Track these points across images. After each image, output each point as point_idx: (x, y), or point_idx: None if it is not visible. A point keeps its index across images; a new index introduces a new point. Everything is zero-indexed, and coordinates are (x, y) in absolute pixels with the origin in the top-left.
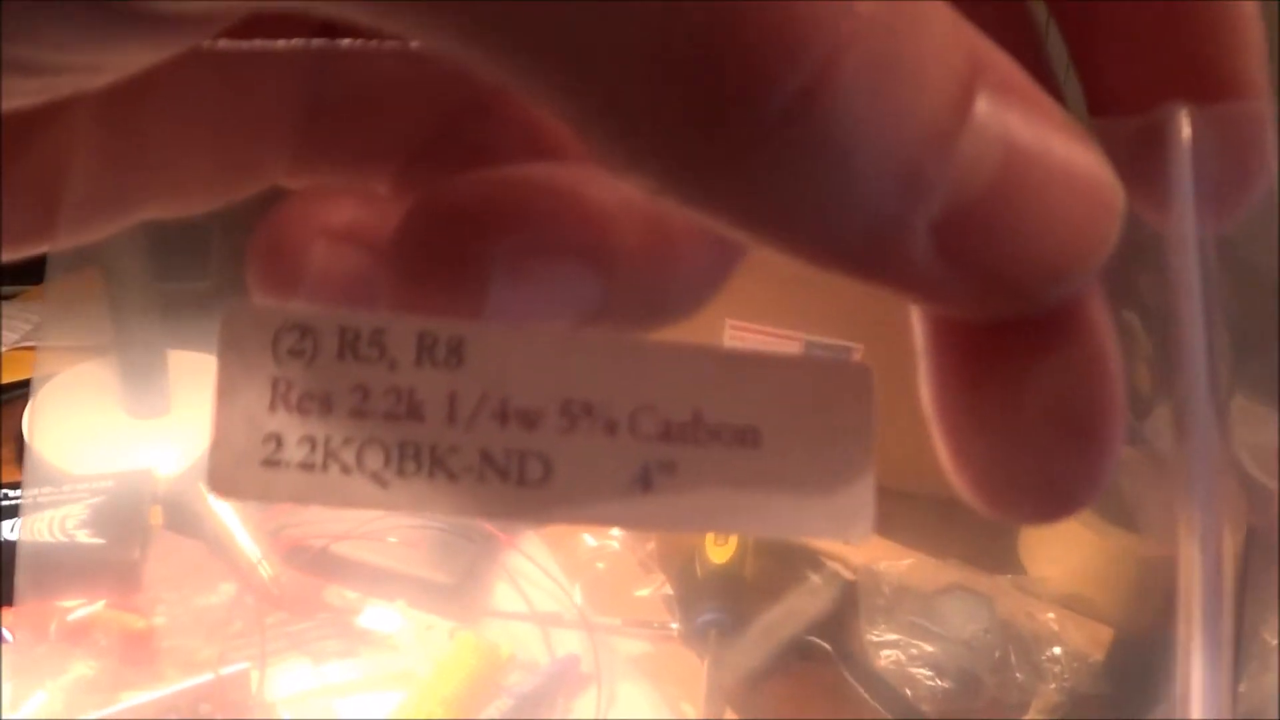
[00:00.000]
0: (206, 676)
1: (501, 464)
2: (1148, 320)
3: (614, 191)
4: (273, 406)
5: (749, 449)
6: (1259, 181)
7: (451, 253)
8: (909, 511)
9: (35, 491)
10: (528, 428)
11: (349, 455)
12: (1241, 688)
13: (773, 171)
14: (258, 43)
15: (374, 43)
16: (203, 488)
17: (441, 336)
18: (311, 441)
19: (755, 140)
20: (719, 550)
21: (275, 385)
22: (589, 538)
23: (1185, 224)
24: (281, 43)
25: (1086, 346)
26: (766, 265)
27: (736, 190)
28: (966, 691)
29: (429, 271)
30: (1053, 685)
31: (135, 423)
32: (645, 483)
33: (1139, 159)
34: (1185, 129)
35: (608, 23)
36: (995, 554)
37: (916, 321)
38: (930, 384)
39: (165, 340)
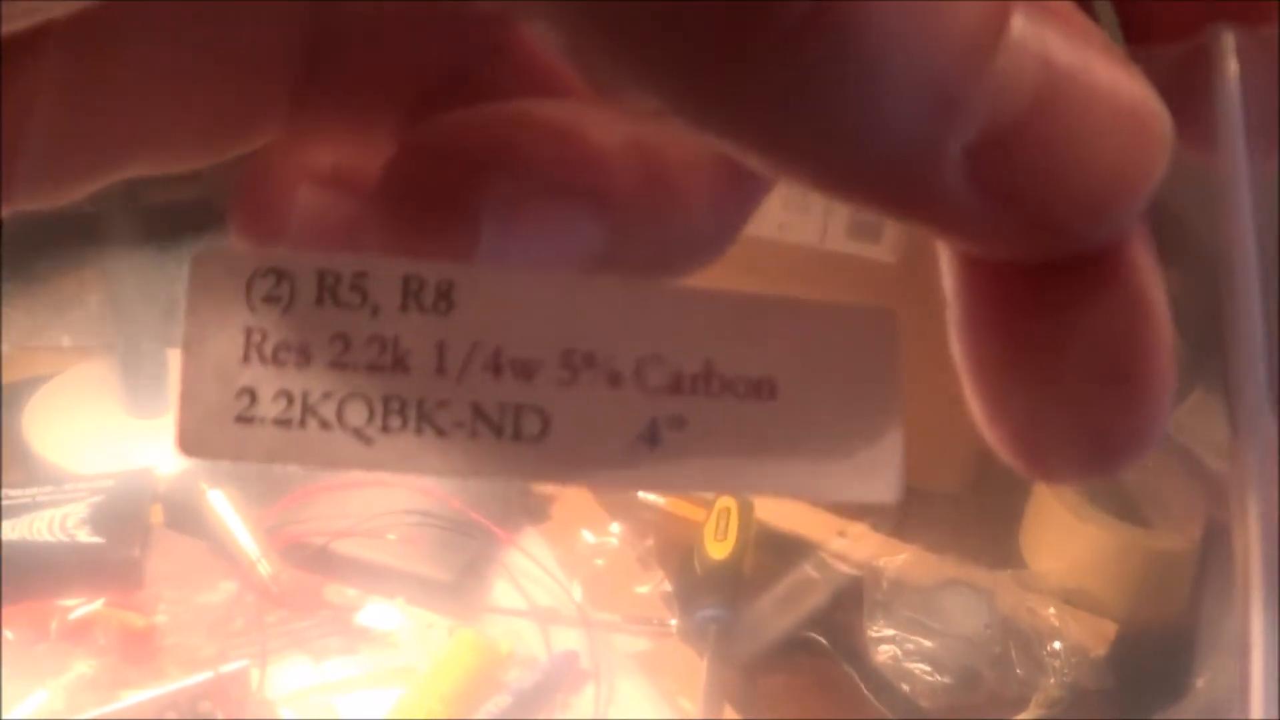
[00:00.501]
0: (206, 674)
1: (495, 419)
2: (1173, 307)
3: (617, 132)
4: (246, 358)
5: (765, 402)
6: None
7: (441, 193)
8: (908, 506)
9: (35, 490)
10: (524, 379)
11: (329, 410)
12: (1201, 683)
13: (792, 85)
14: None
15: None
16: (203, 486)
17: (429, 280)
18: (288, 396)
19: (774, 49)
20: (718, 546)
21: (249, 335)
22: (588, 534)
23: (1237, 159)
24: None
25: (1131, 290)
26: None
27: (753, 108)
28: (966, 687)
29: (416, 213)
30: (1053, 680)
31: (135, 422)
32: (652, 439)
33: (1182, 89)
34: (1232, 54)
35: None
36: (996, 548)
37: (945, 266)
38: (962, 333)
39: (165, 339)
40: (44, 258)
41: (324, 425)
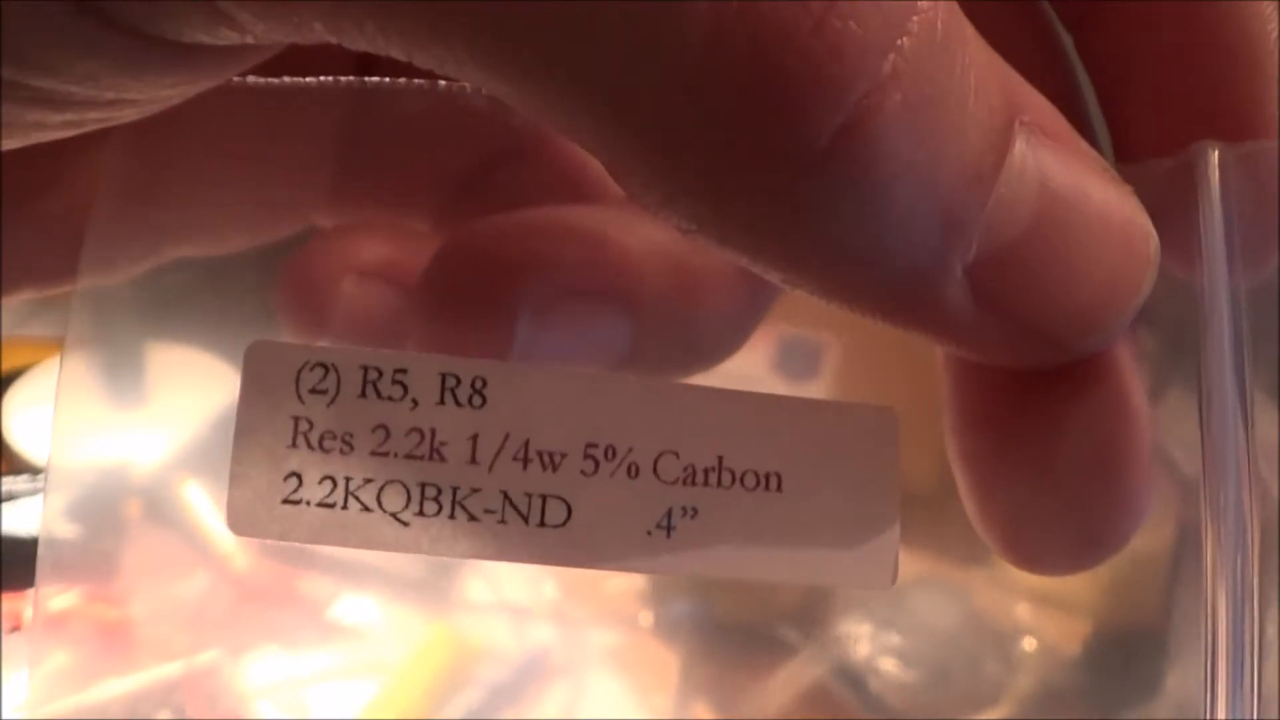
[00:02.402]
0: (180, 666)
1: (523, 506)
2: (1146, 317)
3: (644, 236)
4: (294, 444)
5: (772, 494)
6: None
7: (479, 293)
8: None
9: (11, 481)
10: (550, 470)
11: (369, 495)
12: (1171, 682)
13: (810, 210)
14: (292, 80)
15: (409, 81)
16: (180, 480)
17: (464, 376)
18: (332, 480)
19: (794, 178)
20: None
21: (296, 423)
22: None
23: (1217, 269)
24: (316, 80)
25: (1116, 396)
26: None
27: (773, 229)
28: (938, 684)
29: (456, 311)
30: (1026, 678)
31: (113, 414)
32: (667, 527)
33: (1168, 205)
34: (1216, 169)
35: (646, 58)
36: (968, 546)
37: (942, 370)
38: (957, 433)
39: (144, 332)
40: None
41: (364, 509)
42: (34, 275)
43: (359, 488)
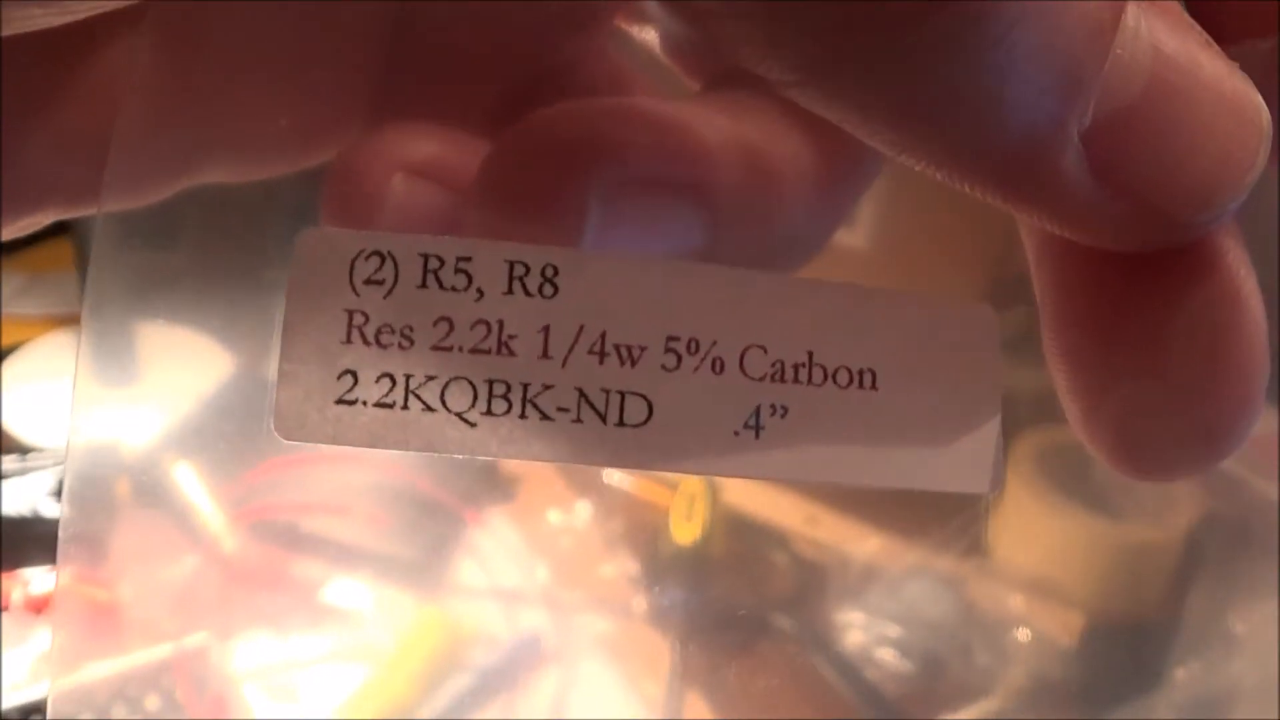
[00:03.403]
0: (169, 648)
1: (599, 404)
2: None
3: (722, 127)
4: (348, 339)
5: (866, 392)
6: None
7: (545, 184)
8: (876, 492)
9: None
10: (628, 365)
11: (431, 394)
12: (1182, 674)
13: (925, 58)
14: None
15: None
16: (170, 460)
17: (534, 264)
18: (390, 378)
19: (911, 18)
20: (685, 529)
21: (350, 317)
22: (554, 515)
23: None
24: None
25: (1226, 281)
26: None
27: (886, 80)
28: (931, 674)
29: (520, 203)
30: (1019, 670)
31: (103, 393)
32: (756, 426)
33: (1265, 89)
34: None
35: None
36: (963, 537)
37: (1036, 265)
38: (1057, 330)
39: (135, 311)
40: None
41: (426, 408)
42: (57, 193)
43: (420, 386)
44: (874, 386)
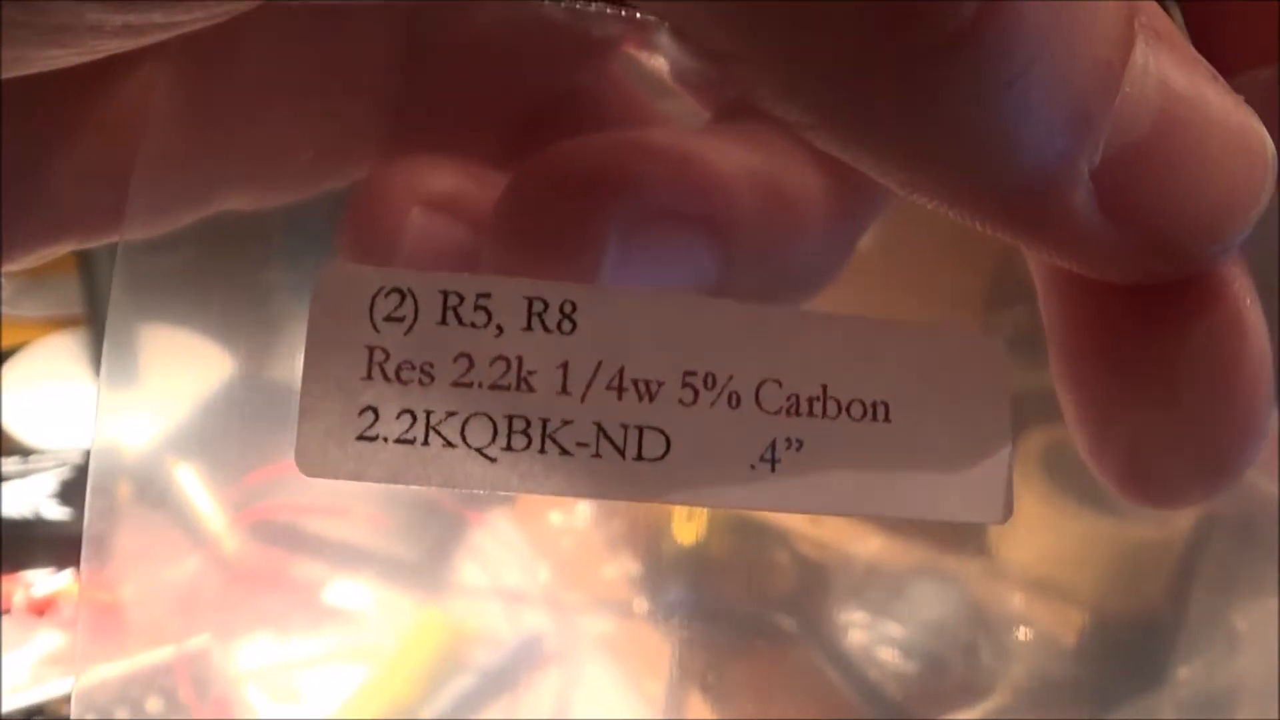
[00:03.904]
0: (170, 650)
1: (618, 439)
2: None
3: (736, 159)
4: (368, 376)
5: (879, 424)
6: None
7: (563, 220)
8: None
9: (1, 462)
10: (646, 399)
11: (452, 430)
12: (1185, 673)
13: (941, 98)
14: None
15: None
16: (171, 461)
17: (552, 301)
18: (411, 415)
19: (927, 62)
20: (687, 529)
21: (371, 353)
22: (556, 515)
23: None
24: None
25: (1233, 313)
26: None
27: (900, 120)
28: (934, 673)
29: (538, 239)
30: (1022, 668)
31: (104, 395)
32: (772, 460)
33: (1266, 118)
34: None
35: None
36: (965, 535)
37: (1044, 296)
38: (1066, 361)
39: (136, 312)
40: None
41: (447, 444)
42: (78, 224)
43: (440, 422)
44: (887, 419)
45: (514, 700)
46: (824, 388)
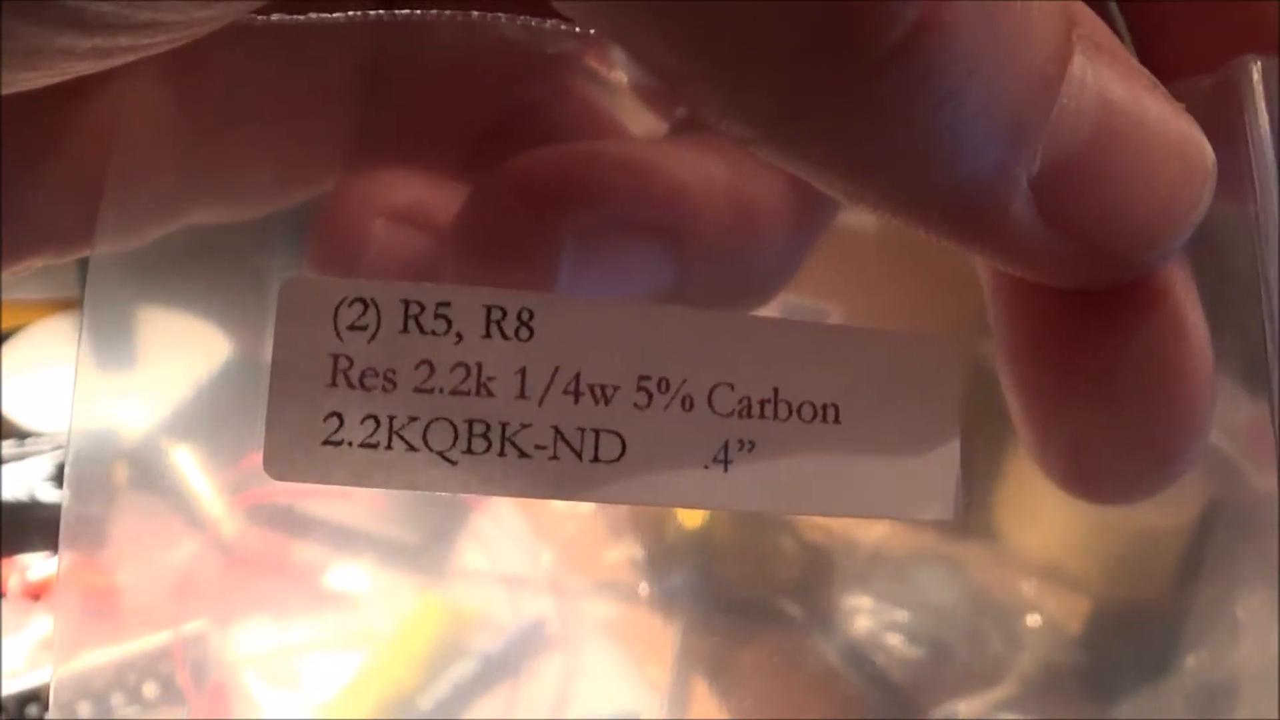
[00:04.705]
0: (167, 635)
1: (575, 442)
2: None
3: (694, 168)
4: (333, 383)
5: (829, 426)
6: None
7: (520, 227)
8: None
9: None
10: (602, 403)
11: (414, 434)
12: (1192, 662)
13: (879, 113)
14: (316, 16)
15: (439, 12)
16: (168, 444)
17: (510, 308)
18: (375, 420)
19: (864, 78)
20: (691, 514)
21: (336, 361)
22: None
23: (1270, 187)
24: (341, 15)
25: (1173, 313)
26: None
27: (840, 134)
28: (939, 660)
29: (497, 248)
30: (1028, 655)
31: (102, 379)
32: (724, 460)
33: (1210, 125)
34: (1259, 83)
35: None
36: (971, 522)
37: (991, 298)
38: (1011, 362)
39: (133, 295)
40: None
41: (410, 448)
42: (47, 240)
43: (403, 426)
44: (837, 420)
45: (515, 686)
46: (775, 390)
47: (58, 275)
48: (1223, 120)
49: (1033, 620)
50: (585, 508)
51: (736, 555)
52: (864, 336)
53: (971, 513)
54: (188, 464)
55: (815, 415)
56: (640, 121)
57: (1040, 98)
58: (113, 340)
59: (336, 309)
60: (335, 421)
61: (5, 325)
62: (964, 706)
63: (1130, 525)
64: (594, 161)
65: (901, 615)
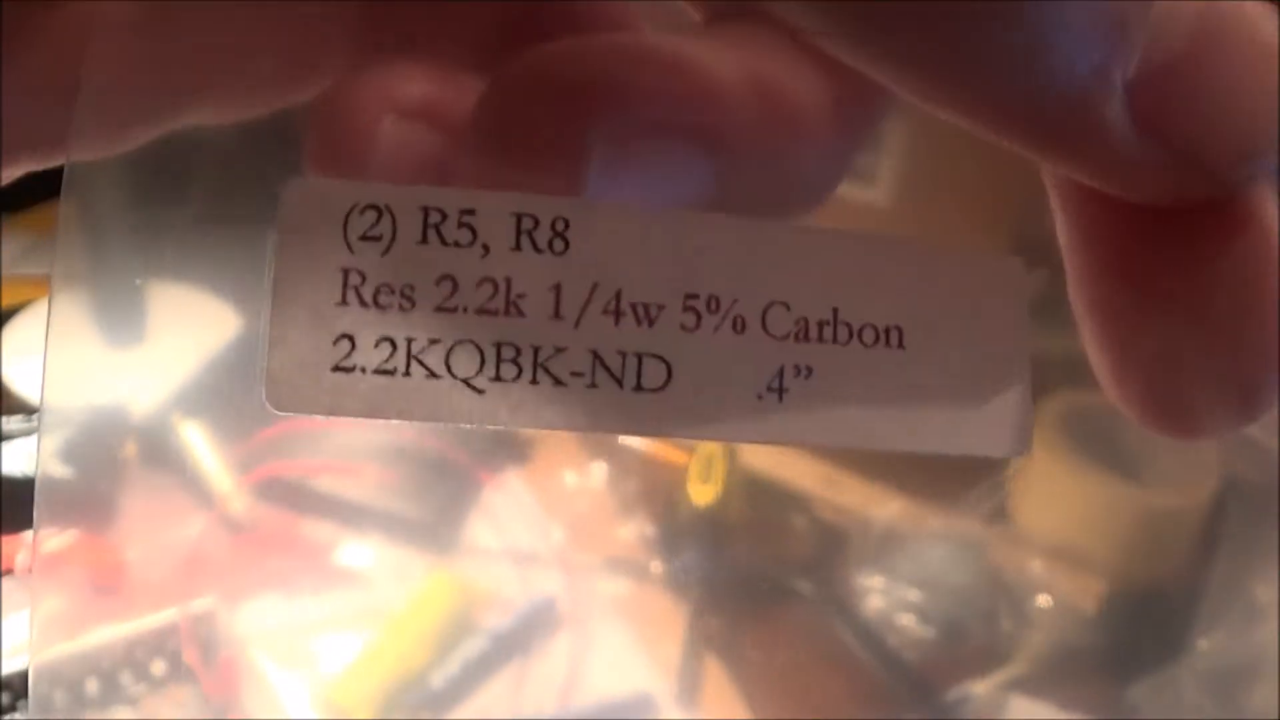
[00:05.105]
0: (176, 611)
1: (615, 367)
2: None
3: (732, 63)
4: (343, 301)
5: (893, 351)
6: None
7: (544, 129)
8: (897, 456)
9: (5, 420)
10: (645, 325)
11: (436, 358)
12: (1205, 644)
13: (966, 7)
14: None
15: None
16: (175, 420)
17: (543, 217)
18: (391, 343)
19: None
20: (703, 491)
21: (346, 276)
22: (570, 476)
23: None
24: None
25: (1261, 236)
26: None
27: (921, 30)
28: (952, 640)
29: (518, 151)
30: (1041, 636)
31: (110, 355)
32: (779, 389)
33: None
34: None
35: None
36: (985, 501)
37: (1063, 215)
38: (1086, 284)
39: (143, 270)
40: (27, 187)
41: (430, 374)
42: (30, 142)
43: (423, 350)
44: (900, 345)
45: (525, 663)
46: (834, 311)
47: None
48: None
49: (1045, 600)
50: (595, 483)
51: (749, 533)
52: (929, 252)
53: (985, 493)
54: (196, 440)
55: (878, 339)
56: (671, 12)
57: None
58: (119, 314)
59: (346, 217)
60: (346, 345)
61: (9, 302)
62: (975, 686)
63: (1146, 505)
64: (625, 55)
65: (914, 594)
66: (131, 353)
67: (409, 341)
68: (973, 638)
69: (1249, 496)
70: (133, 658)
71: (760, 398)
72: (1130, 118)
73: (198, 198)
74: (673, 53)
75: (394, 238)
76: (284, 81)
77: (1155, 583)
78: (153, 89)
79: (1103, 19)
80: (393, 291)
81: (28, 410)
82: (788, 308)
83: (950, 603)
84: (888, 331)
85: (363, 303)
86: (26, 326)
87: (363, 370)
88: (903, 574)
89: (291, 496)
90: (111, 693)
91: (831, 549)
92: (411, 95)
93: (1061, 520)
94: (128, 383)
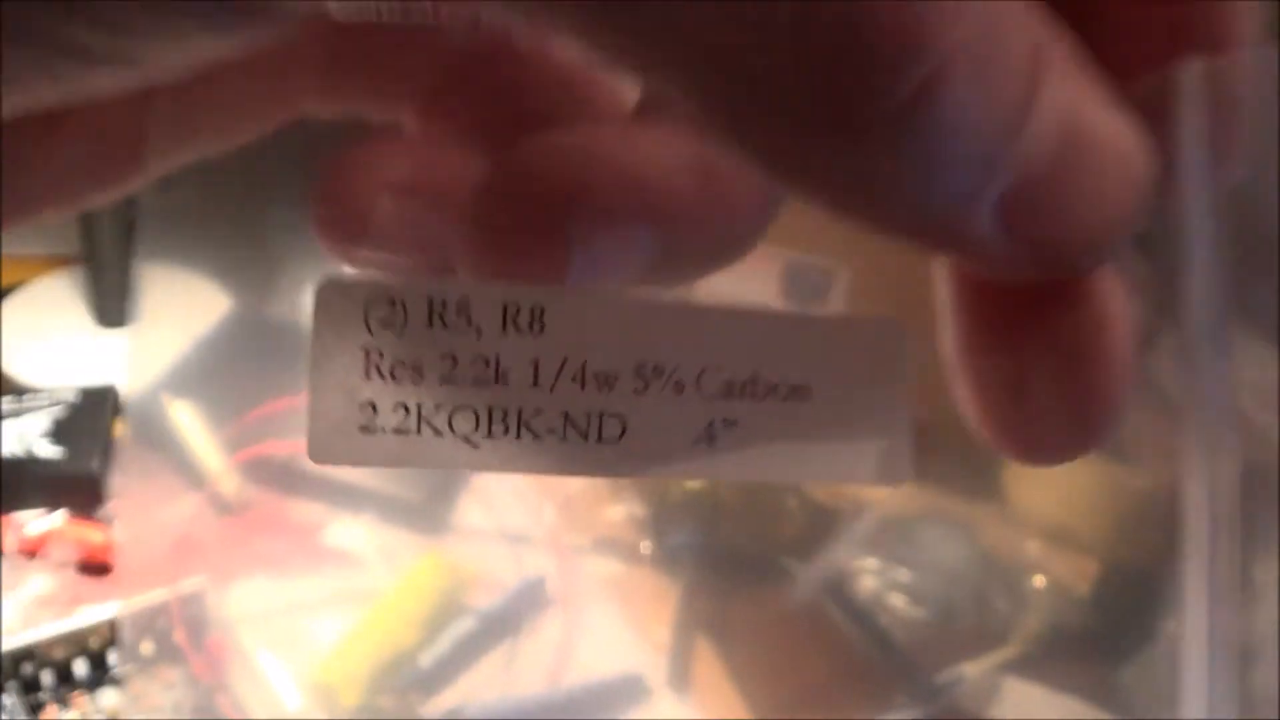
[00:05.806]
0: (165, 591)
1: (582, 424)
2: (1143, 246)
3: (668, 147)
4: (367, 375)
5: (801, 403)
6: (1263, 127)
7: (533, 224)
8: None
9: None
10: (605, 389)
11: (441, 420)
12: (1171, 627)
13: (880, 157)
14: None
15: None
16: (167, 400)
17: (524, 305)
18: (405, 408)
19: (873, 127)
20: None
21: (368, 354)
22: None
23: (1194, 177)
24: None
25: (1098, 307)
26: None
27: (844, 174)
28: (945, 620)
29: (513, 242)
30: (1034, 617)
31: (101, 333)
32: (710, 438)
33: (1152, 122)
34: (1195, 84)
35: (744, 18)
36: (978, 482)
37: (942, 281)
38: (955, 337)
39: (133, 251)
40: None
41: (437, 433)
42: (98, 187)
43: (431, 413)
44: (807, 398)
45: (515, 644)
46: (754, 373)
47: (59, 232)
48: (1157, 124)
49: (1039, 581)
50: None
51: (739, 514)
52: (826, 321)
53: (978, 474)
54: (187, 420)
55: (788, 394)
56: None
57: (1010, 133)
58: (110, 295)
59: (367, 306)
60: (370, 410)
61: (5, 281)
62: (969, 667)
63: (1139, 486)
64: (585, 157)
65: (906, 575)
66: (123, 333)
67: (419, 407)
68: (965, 618)
69: (1246, 478)
70: (122, 638)
71: (696, 444)
72: (999, 224)
73: (187, 182)
74: (622, 149)
75: (405, 322)
76: (258, 116)
77: (1150, 564)
78: (172, 132)
79: (979, 158)
80: (406, 366)
81: (19, 391)
82: (717, 372)
83: (943, 584)
84: (795, 388)
85: (381, 376)
86: (21, 307)
87: (383, 430)
88: (895, 555)
89: (281, 476)
90: (98, 672)
91: (822, 529)
92: (401, 172)
93: (1055, 502)
94: (119, 364)
